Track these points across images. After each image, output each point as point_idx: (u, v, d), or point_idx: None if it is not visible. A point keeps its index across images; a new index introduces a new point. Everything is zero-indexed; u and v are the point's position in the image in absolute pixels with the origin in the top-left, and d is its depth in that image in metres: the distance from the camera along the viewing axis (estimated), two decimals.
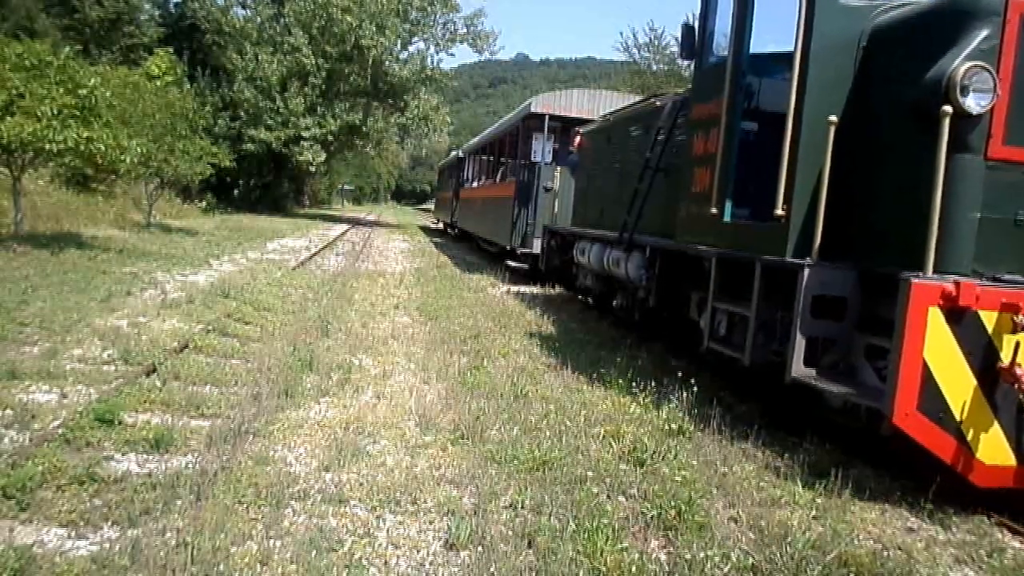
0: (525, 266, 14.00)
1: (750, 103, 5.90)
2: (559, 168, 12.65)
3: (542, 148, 14.55)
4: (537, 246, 13.16)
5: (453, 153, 32.74)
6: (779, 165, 4.81)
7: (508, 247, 14.99)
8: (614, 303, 8.77)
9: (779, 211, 4.79)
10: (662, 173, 7.43)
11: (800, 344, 4.47)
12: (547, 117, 14.39)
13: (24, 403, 4.48)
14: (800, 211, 4.75)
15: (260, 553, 2.94)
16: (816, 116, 4.66)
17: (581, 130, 11.26)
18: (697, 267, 6.22)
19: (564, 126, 14.52)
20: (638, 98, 12.19)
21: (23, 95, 11.15)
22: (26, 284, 8.32)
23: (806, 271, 4.47)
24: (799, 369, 4.50)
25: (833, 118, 4.51)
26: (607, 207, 9.24)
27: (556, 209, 12.12)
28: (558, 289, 12.65)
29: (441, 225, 36.39)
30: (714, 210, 5.52)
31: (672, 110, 7.43)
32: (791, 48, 4.91)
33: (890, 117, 4.57)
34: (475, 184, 22.98)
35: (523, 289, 12.79)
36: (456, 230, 27.96)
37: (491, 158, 20.75)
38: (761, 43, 5.61)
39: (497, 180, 18.49)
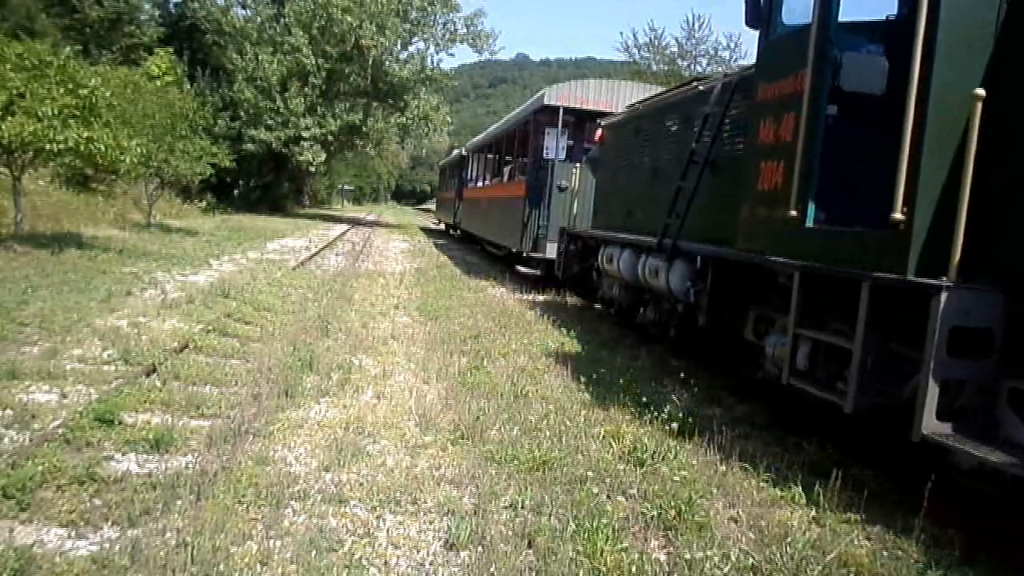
0: (537, 272, 13.02)
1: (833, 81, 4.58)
2: (576, 166, 11.78)
3: (556, 144, 13.23)
4: (551, 250, 12.16)
5: (455, 151, 31.65)
6: (898, 156, 3.77)
7: (518, 251, 13.92)
8: (643, 316, 7.89)
9: (897, 215, 3.76)
10: (710, 168, 6.43)
11: (933, 392, 3.49)
12: (562, 110, 13.06)
13: (24, 403, 4.48)
14: (926, 215, 3.74)
15: (260, 553, 2.94)
16: (948, 89, 3.69)
17: (603, 123, 10.36)
18: (762, 281, 5.32)
19: (579, 120, 13.52)
20: (661, 88, 11.16)
21: (23, 95, 11.14)
22: (26, 284, 8.32)
23: (943, 295, 3.47)
24: (931, 424, 3.51)
25: (980, 91, 3.55)
26: (636, 208, 8.41)
27: (574, 210, 11.17)
28: (572, 298, 11.89)
29: (443, 226, 35.69)
30: (792, 212, 4.45)
31: (723, 93, 6.41)
32: (887, 15, 4.12)
33: None
34: (480, 184, 21.75)
35: (532, 297, 11.96)
36: (459, 231, 27.09)
37: (498, 156, 19.34)
38: (850, 10, 4.60)
39: (505, 179, 17.36)
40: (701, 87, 7.12)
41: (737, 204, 5.35)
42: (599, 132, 10.33)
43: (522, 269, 13.51)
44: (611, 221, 9.30)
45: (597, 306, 10.63)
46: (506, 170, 17.54)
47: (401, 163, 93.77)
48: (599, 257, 8.97)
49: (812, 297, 4.44)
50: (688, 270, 6.47)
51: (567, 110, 13.12)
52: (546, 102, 13.29)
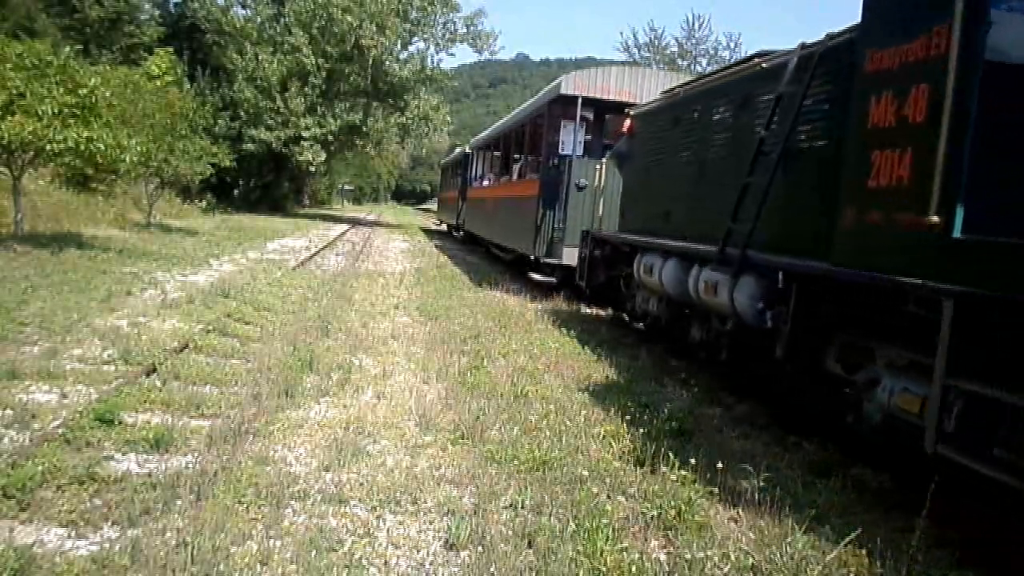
0: (553, 280, 11.85)
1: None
2: (601, 162, 10.68)
3: (573, 138, 11.96)
4: (568, 256, 10.97)
5: (458, 149, 30.49)
6: None
7: (531, 257, 12.51)
8: (690, 335, 6.83)
9: None
10: (784, 161, 5.25)
11: None
12: (580, 100, 11.65)
13: (24, 403, 4.48)
14: None
15: (260, 553, 2.94)
16: None
17: (632, 112, 9.23)
18: (860, 301, 4.35)
19: (599, 111, 12.19)
20: (689, 77, 9.92)
21: (23, 95, 11.15)
22: (26, 284, 8.32)
23: None
24: None
25: None
26: (675, 208, 7.38)
27: (600, 211, 10.12)
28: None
29: (445, 227, 34.82)
30: (933, 218, 3.38)
31: (802, 70, 5.29)
32: None
33: None
34: (486, 183, 20.17)
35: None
36: (462, 233, 25.75)
37: (506, 153, 17.82)
38: None
39: (515, 177, 15.94)
40: (765, 64, 6.01)
41: (826, 206, 4.35)
42: (627, 123, 9.16)
43: (536, 277, 12.28)
44: (641, 223, 8.27)
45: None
46: (516, 168, 16.26)
47: (401, 163, 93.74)
48: (635, 266, 7.74)
49: (969, 335, 3.30)
50: (761, 288, 5.17)
51: (587, 100, 11.76)
52: (563, 91, 11.81)
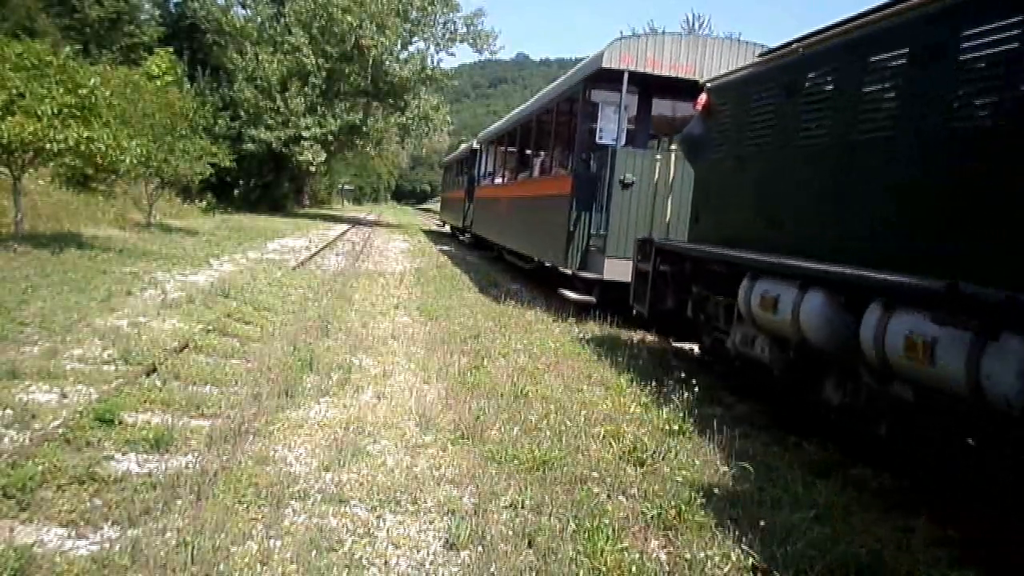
0: (591, 299, 9.47)
1: None
2: (666, 152, 8.99)
3: (617, 124, 9.75)
4: (611, 269, 8.99)
5: (463, 145, 28.71)
6: None
7: (565, 270, 10.25)
8: (823, 395, 4.89)
9: None
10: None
11: None
12: (627, 76, 9.26)
13: (24, 403, 4.47)
14: None
15: (260, 553, 2.94)
16: None
17: (711, 83, 7.22)
18: None
19: (645, 90, 10.03)
20: (766, 49, 7.47)
21: (23, 95, 11.15)
22: (26, 284, 8.32)
23: None
24: None
25: None
26: (796, 212, 5.49)
27: (668, 214, 8.13)
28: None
29: (448, 228, 33.42)
30: None
31: None
32: None
33: None
34: (498, 180, 17.86)
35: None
36: (468, 235, 23.85)
37: (523, 146, 15.65)
38: None
39: (537, 174, 13.62)
40: None
41: None
42: (703, 98, 7.14)
43: (570, 296, 9.83)
44: (728, 232, 6.41)
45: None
46: (537, 162, 14.14)
47: (401, 163, 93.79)
48: (743, 294, 5.54)
49: None
50: None
51: (634, 77, 9.39)
52: (605, 64, 9.34)
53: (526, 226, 13.37)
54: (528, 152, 15.51)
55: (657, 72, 9.35)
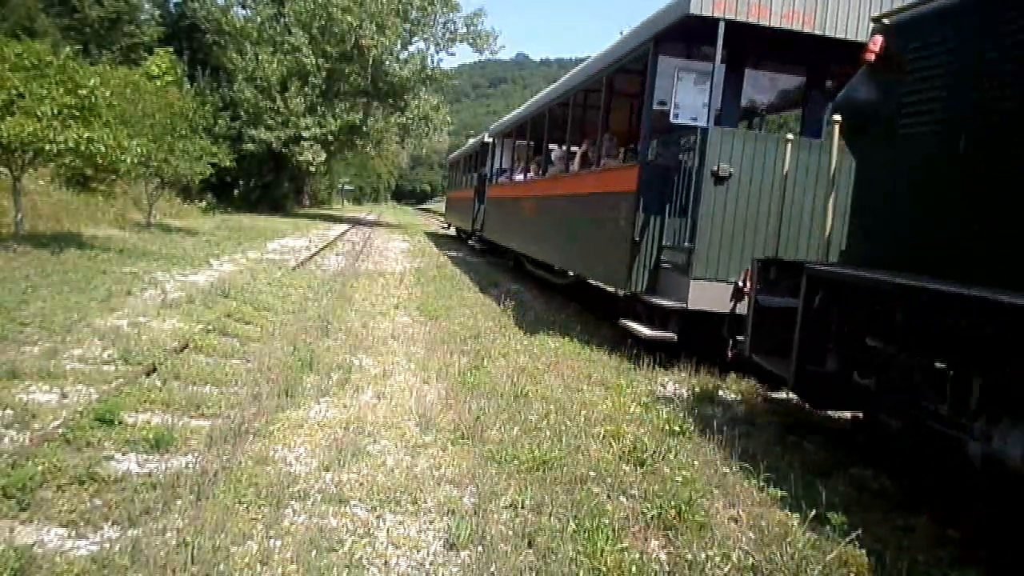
0: (671, 337, 6.94)
1: None
2: (786, 136, 6.25)
3: (707, 95, 7.19)
4: (697, 296, 6.65)
5: (471, 141, 25.66)
6: None
7: (626, 292, 7.89)
8: None
9: None
10: None
11: None
12: (723, 26, 6.62)
13: (24, 403, 4.47)
14: None
15: (260, 553, 2.94)
16: None
17: (890, 20, 4.66)
18: None
19: (736, 51, 7.55)
20: None
21: (23, 95, 11.15)
22: (26, 284, 8.32)
23: None
24: None
25: None
26: None
27: (829, 221, 4.98)
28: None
29: (453, 231, 30.87)
30: None
31: None
32: None
33: None
34: (518, 177, 15.17)
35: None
36: (478, 240, 21.18)
37: (552, 135, 12.74)
38: None
39: (576, 166, 10.79)
40: None
41: None
42: (878, 41, 4.57)
43: (641, 331, 7.20)
44: (921, 252, 4.12)
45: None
46: (578, 152, 11.03)
47: (401, 163, 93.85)
48: None
49: None
50: None
51: (733, 28, 6.69)
52: (692, 10, 6.63)
53: (561, 232, 10.71)
54: (559, 142, 12.54)
55: (765, 22, 6.70)
